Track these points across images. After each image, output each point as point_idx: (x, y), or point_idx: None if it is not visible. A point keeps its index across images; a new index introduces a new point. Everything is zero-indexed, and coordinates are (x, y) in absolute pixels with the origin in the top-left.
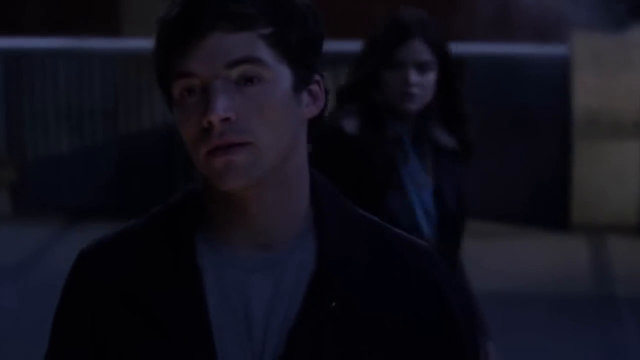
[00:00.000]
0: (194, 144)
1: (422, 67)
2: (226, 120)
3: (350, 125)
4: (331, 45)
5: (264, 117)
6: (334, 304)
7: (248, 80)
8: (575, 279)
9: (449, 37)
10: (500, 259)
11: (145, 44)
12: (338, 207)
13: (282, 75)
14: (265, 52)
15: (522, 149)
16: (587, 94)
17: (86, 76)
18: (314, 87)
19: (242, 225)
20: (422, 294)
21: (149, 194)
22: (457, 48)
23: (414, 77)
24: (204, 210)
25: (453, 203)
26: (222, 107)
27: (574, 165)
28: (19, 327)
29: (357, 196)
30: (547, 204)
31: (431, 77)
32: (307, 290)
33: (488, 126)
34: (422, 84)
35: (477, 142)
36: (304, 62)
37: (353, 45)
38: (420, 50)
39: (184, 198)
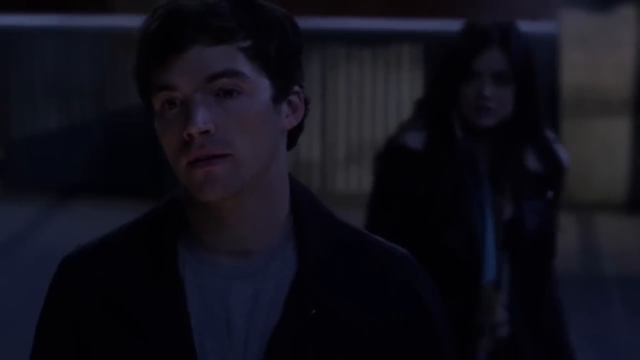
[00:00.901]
0: (174, 155)
1: (499, 79)
2: (206, 132)
3: (414, 140)
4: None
5: (243, 129)
6: (314, 311)
7: (228, 93)
8: (563, 257)
9: (435, 14)
10: None
11: (134, 21)
12: (317, 215)
13: (262, 87)
14: (244, 65)
15: None
16: (575, 71)
17: (74, 54)
18: (294, 98)
19: (223, 234)
20: (400, 300)
21: (137, 172)
22: (444, 25)
23: (490, 89)
24: (186, 217)
25: (533, 233)
26: (201, 119)
27: (562, 143)
28: (6, 305)
29: (417, 220)
30: None
31: (510, 89)
32: (287, 298)
33: None
34: (499, 97)
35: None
36: (284, 73)
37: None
38: (498, 60)
39: (166, 205)
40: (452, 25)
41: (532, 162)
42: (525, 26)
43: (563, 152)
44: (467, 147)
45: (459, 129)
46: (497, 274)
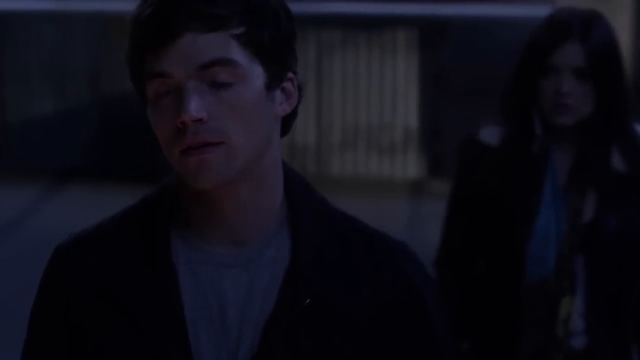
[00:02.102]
0: (168, 143)
1: (579, 75)
2: (199, 120)
3: (489, 135)
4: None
5: (236, 117)
6: (308, 300)
7: (221, 81)
8: None
9: None
10: None
11: (129, 5)
12: (312, 202)
13: (255, 74)
14: (238, 52)
15: None
16: None
17: (70, 37)
18: (288, 85)
19: (217, 222)
20: (394, 287)
21: (132, 155)
22: (439, 10)
23: (568, 85)
24: (179, 206)
25: (616, 237)
26: (194, 107)
27: None
28: (3, 289)
29: (489, 216)
30: None
31: (591, 86)
32: (281, 287)
33: (469, 90)
34: (579, 93)
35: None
36: (277, 60)
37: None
38: (578, 55)
39: (159, 193)
40: (447, 9)
41: (617, 162)
42: (521, 9)
43: None
44: (544, 145)
45: (539, 126)
46: (572, 279)
